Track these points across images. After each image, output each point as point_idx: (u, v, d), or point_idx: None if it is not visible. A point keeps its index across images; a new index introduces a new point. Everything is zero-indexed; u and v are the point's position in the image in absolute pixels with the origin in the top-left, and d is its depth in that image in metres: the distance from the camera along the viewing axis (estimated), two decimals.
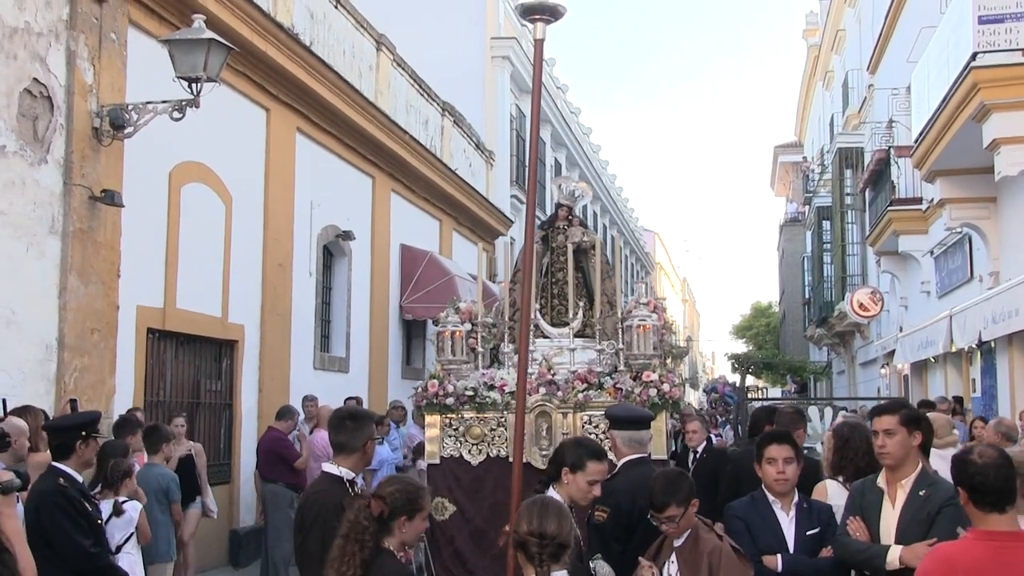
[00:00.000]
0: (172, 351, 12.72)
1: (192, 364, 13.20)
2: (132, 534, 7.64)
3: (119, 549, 7.44)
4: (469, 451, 10.16)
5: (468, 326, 10.80)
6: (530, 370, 9.96)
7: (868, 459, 6.05)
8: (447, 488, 9.68)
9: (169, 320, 12.36)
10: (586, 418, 9.95)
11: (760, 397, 37.27)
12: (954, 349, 16.81)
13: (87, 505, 6.43)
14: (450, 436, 10.21)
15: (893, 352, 23.27)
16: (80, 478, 6.54)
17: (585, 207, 38.64)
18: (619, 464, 6.45)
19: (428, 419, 10.27)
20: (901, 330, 22.51)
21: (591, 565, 5.21)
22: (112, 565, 6.64)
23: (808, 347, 46.46)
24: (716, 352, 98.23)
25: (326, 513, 5.07)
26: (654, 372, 9.94)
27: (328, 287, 17.82)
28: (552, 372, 10.07)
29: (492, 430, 10.18)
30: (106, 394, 10.72)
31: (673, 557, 5.24)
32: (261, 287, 14.77)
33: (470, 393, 10.16)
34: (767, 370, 48.74)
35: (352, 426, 5.40)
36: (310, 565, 5.06)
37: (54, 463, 6.43)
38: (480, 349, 10.83)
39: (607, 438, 9.40)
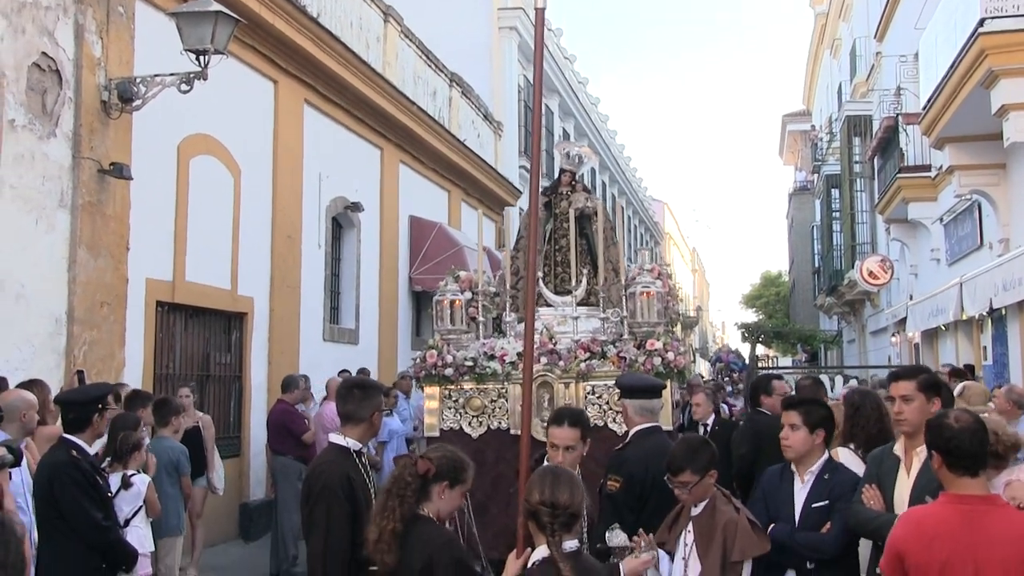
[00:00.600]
0: (182, 324, 12.75)
1: (202, 337, 13.22)
2: (141, 507, 7.66)
3: (127, 523, 7.45)
4: (469, 423, 10.04)
5: (468, 295, 10.63)
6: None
7: (880, 426, 6.02)
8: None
9: (178, 293, 12.38)
10: (589, 388, 9.79)
11: (769, 367, 37.23)
12: (965, 317, 16.75)
13: (98, 478, 6.46)
14: (450, 408, 10.09)
15: (904, 320, 23.21)
16: (92, 451, 6.57)
17: (594, 176, 38.56)
18: (631, 433, 6.45)
19: (427, 391, 10.18)
20: (911, 298, 22.45)
21: (607, 535, 5.21)
22: (121, 539, 6.65)
23: (818, 316, 46.40)
24: (726, 322, 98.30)
25: (332, 484, 5.08)
26: (658, 340, 9.75)
27: (337, 259, 17.83)
28: (554, 341, 9.91)
29: (492, 401, 10.04)
30: (115, 367, 10.76)
31: (690, 527, 5.24)
32: (270, 259, 14.77)
33: (469, 363, 10.02)
34: (777, 339, 48.64)
35: (359, 396, 5.39)
36: (316, 536, 5.07)
37: (66, 435, 6.44)
38: (481, 318, 10.69)
39: (610, 408, 9.49)
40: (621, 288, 10.28)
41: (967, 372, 12.12)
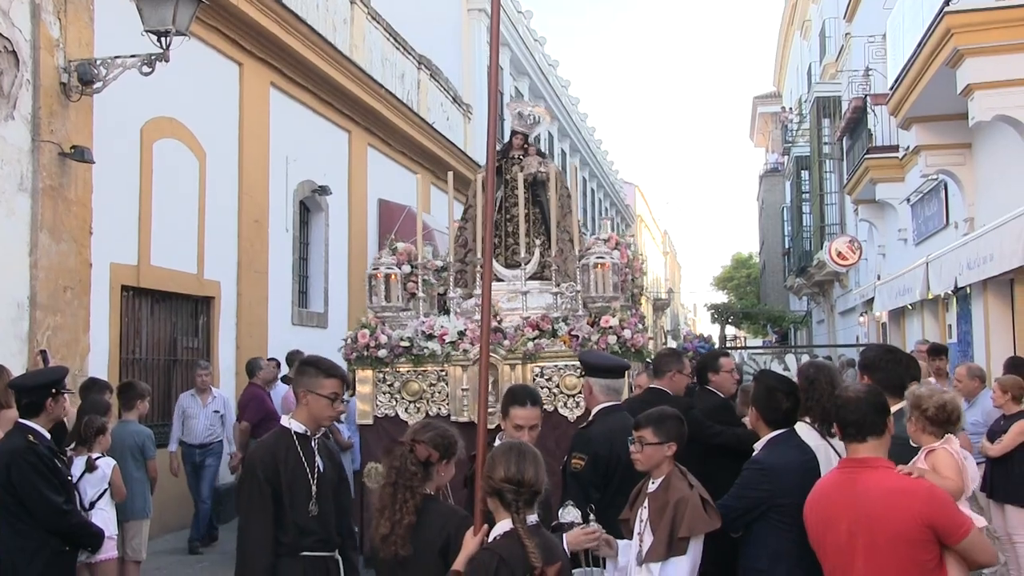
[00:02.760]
0: (148, 308, 12.66)
1: (168, 321, 13.14)
2: (105, 490, 7.64)
3: (92, 505, 7.45)
4: (406, 409, 9.35)
5: (407, 268, 10.04)
6: (476, 317, 9.32)
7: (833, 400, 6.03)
8: (382, 452, 8.91)
9: (144, 277, 12.28)
10: (537, 370, 9.10)
11: (738, 347, 37.38)
12: (931, 296, 16.83)
13: (56, 462, 6.41)
14: (384, 393, 9.40)
15: (872, 300, 23.32)
16: (47, 435, 6.51)
17: (564, 156, 38.50)
18: (593, 412, 6.43)
19: (359, 374, 9.48)
20: (879, 278, 22.55)
21: (560, 512, 5.21)
22: (85, 522, 6.64)
23: (788, 297, 46.61)
24: (697, 304, 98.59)
25: (253, 466, 5.10)
26: (613, 317, 9.05)
27: (305, 243, 17.74)
28: (499, 319, 9.25)
29: (431, 385, 9.36)
30: (80, 352, 10.67)
31: (646, 503, 5.23)
32: (237, 243, 14.70)
33: (405, 344, 9.31)
34: (747, 320, 48.84)
35: (295, 376, 5.41)
36: (240, 517, 5.13)
37: (21, 420, 6.40)
38: (421, 294, 10.03)
39: (561, 392, 9.07)
40: (575, 260, 9.70)
41: (945, 349, 12.12)
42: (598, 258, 9.23)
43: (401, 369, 9.42)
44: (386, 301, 9.69)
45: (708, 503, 5.15)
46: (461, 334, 9.32)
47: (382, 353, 9.31)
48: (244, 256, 14.81)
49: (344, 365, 9.71)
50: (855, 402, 4.66)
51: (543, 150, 11.87)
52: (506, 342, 9.10)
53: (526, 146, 10.96)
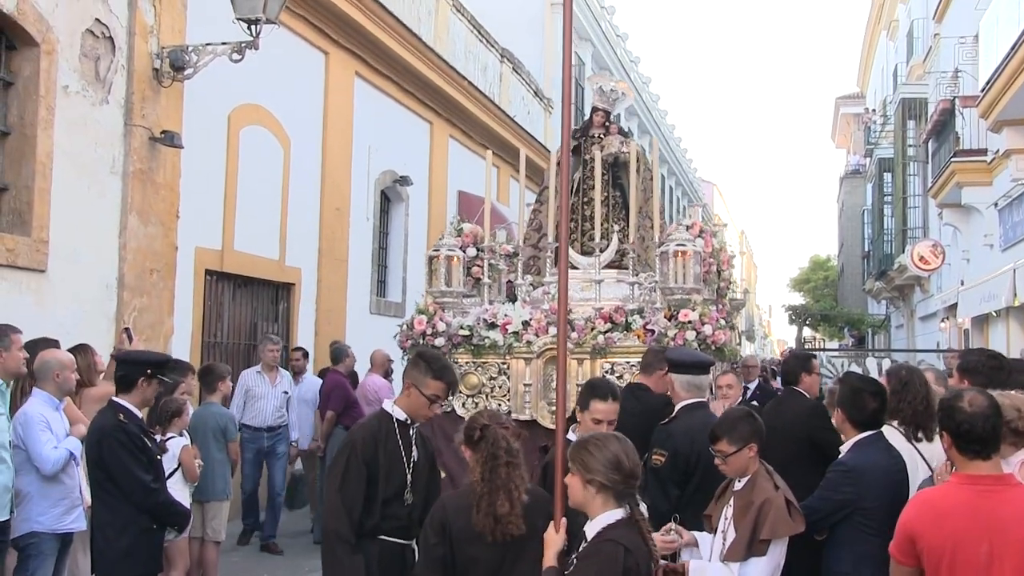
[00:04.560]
0: (230, 293, 12.82)
1: (249, 306, 13.30)
2: (176, 469, 7.75)
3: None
4: (463, 404, 8.62)
5: (473, 251, 9.38)
6: (544, 306, 8.79)
7: (927, 403, 5.91)
8: (436, 450, 7.44)
9: (227, 262, 12.44)
10: (607, 366, 8.34)
11: (816, 348, 36.93)
12: (1017, 303, 16.52)
13: (146, 440, 6.51)
14: None
15: (954, 306, 22.92)
16: (140, 414, 6.62)
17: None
18: (677, 408, 6.37)
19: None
20: (962, 284, 22.16)
21: None
22: (172, 501, 6.72)
23: (867, 300, 45.93)
24: (773, 305, 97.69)
25: (355, 442, 5.15)
26: (693, 311, 8.20)
27: (385, 232, 17.85)
28: (568, 309, 8.54)
29: (492, 379, 8.67)
30: (164, 334, 10.84)
31: (731, 500, 5.20)
32: (319, 231, 14.83)
33: (465, 332, 8.64)
34: (824, 323, 48.19)
35: (408, 366, 5.44)
36: (330, 486, 5.14)
37: (114, 398, 6.52)
38: (486, 280, 9.28)
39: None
40: (656, 248, 8.86)
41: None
42: (679, 245, 8.39)
43: (460, 360, 8.69)
44: (446, 286, 8.95)
45: (793, 505, 5.08)
46: (526, 324, 8.62)
47: (439, 342, 8.61)
48: (325, 244, 14.93)
49: (399, 353, 9.31)
50: (984, 417, 4.12)
51: (625, 129, 10.94)
52: (574, 334, 8.25)
53: (607, 124, 10.24)
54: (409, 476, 5.15)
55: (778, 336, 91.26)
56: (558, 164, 9.93)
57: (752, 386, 10.85)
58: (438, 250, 9.07)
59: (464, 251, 9.33)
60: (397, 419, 5.23)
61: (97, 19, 9.96)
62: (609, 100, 10.34)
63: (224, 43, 10.53)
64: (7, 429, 6.48)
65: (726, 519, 5.15)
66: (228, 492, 9.26)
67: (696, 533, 5.34)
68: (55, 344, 7.50)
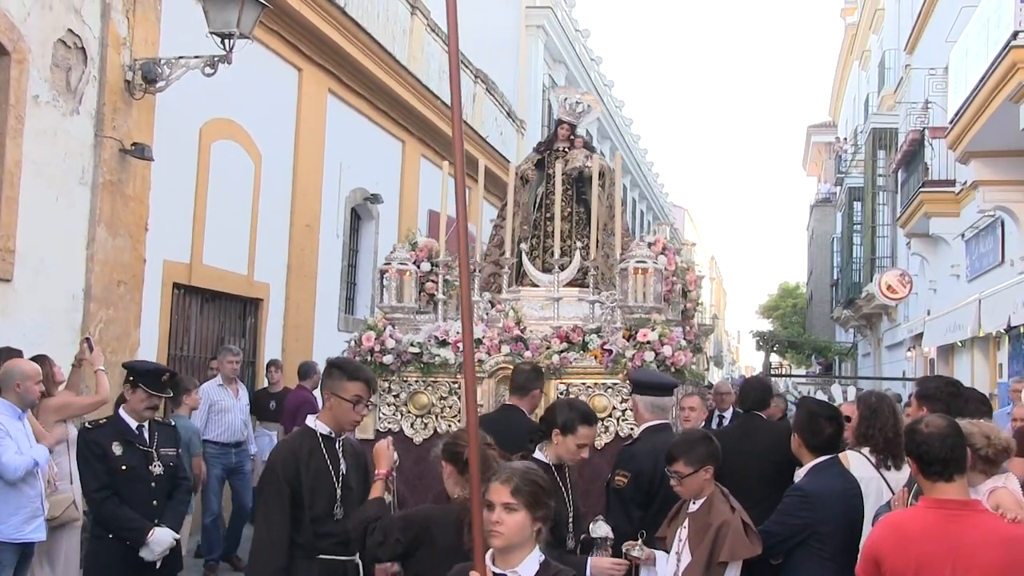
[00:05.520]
0: (197, 307, 12.76)
1: (217, 320, 13.24)
2: None
3: None
4: (412, 425, 8.27)
5: (427, 266, 9.12)
6: (498, 324, 8.47)
7: (896, 430, 5.94)
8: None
9: (195, 276, 12.39)
10: (562, 388, 7.96)
11: (782, 374, 37.10)
12: (982, 334, 16.66)
13: (107, 449, 6.41)
14: (389, 404, 8.27)
15: (920, 335, 23.10)
16: (133, 423, 6.56)
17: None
18: (640, 429, 6.39)
19: None
20: (929, 313, 22.33)
21: (591, 526, 5.19)
22: (119, 514, 6.36)
23: (834, 328, 46.20)
24: (741, 331, 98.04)
25: (275, 465, 5.12)
26: (652, 330, 7.87)
27: (355, 250, 17.82)
28: (521, 327, 8.17)
29: (442, 399, 8.26)
30: (130, 347, 10.78)
31: (686, 523, 5.22)
32: (288, 246, 14.79)
33: (415, 350, 8.22)
34: (792, 349, 48.48)
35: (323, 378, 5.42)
36: (257, 516, 5.20)
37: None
38: (440, 296, 8.98)
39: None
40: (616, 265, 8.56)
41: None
42: (639, 262, 8.09)
43: (410, 379, 8.34)
44: (398, 301, 8.58)
45: (750, 528, 5.12)
46: (478, 342, 8.19)
47: (388, 359, 8.21)
48: (294, 260, 14.90)
49: None
50: (941, 438, 4.15)
51: (591, 143, 10.56)
52: (527, 353, 7.97)
53: (572, 138, 10.00)
54: (339, 491, 5.08)
55: (746, 362, 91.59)
56: (521, 179, 10.02)
57: (728, 414, 10.71)
58: (389, 263, 8.71)
59: (418, 265, 9.07)
60: (321, 434, 5.17)
61: (70, 29, 9.94)
62: (574, 113, 10.13)
63: (197, 56, 10.53)
64: None
65: (680, 541, 5.18)
66: (189, 509, 9.19)
67: (656, 552, 5.37)
68: (18, 354, 7.46)
